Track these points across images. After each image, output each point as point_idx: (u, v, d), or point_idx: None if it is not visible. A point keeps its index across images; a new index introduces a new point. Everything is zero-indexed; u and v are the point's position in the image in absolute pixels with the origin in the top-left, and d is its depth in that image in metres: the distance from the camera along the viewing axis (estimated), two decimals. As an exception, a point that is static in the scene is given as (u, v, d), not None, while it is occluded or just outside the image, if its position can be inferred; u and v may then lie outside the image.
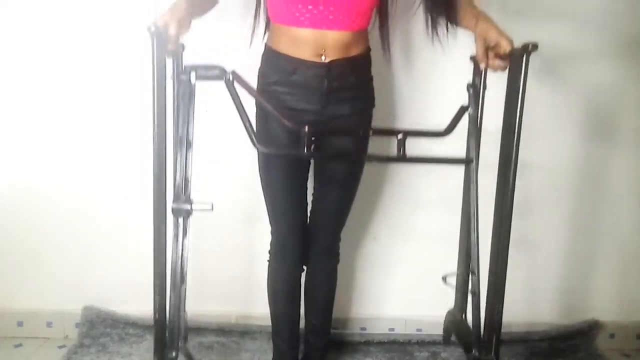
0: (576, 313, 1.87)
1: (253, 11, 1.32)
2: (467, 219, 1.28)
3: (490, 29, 1.12)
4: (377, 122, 1.37)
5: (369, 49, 1.31)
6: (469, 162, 1.24)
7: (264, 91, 1.28)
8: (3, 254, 1.76)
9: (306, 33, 1.19)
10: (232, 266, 1.78)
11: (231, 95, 1.09)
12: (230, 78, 1.09)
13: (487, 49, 1.13)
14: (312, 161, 1.41)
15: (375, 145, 1.33)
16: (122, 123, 1.72)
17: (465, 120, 1.23)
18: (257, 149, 1.14)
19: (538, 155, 1.78)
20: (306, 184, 1.40)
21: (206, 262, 1.75)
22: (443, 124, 1.19)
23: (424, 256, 1.81)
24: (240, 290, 1.82)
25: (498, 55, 1.12)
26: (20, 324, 1.79)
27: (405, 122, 1.72)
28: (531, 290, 1.83)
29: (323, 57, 1.21)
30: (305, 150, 1.10)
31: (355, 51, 1.25)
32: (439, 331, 1.83)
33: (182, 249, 1.11)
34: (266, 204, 1.38)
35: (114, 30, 1.67)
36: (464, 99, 1.25)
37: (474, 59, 1.21)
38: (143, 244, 1.17)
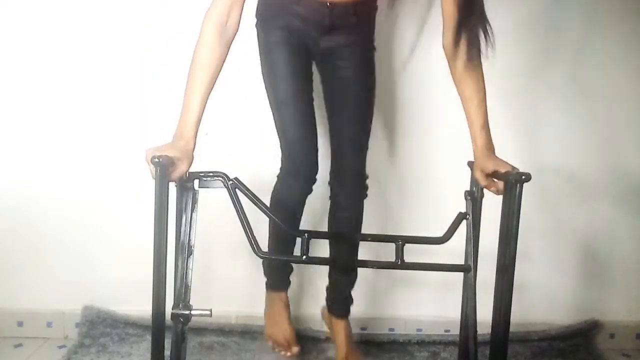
0: (576, 313, 1.87)
1: None
2: (466, 333, 1.29)
3: (488, 162, 1.16)
4: (375, 229, 1.40)
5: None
6: (467, 270, 1.26)
7: (268, 6, 1.33)
8: (3, 254, 1.76)
9: None
10: (233, 266, 1.79)
11: (233, 201, 1.13)
12: (232, 185, 1.15)
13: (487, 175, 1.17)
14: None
15: (374, 251, 1.35)
16: (122, 123, 1.72)
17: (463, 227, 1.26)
18: (259, 256, 1.16)
19: (541, 156, 1.78)
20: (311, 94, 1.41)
21: (206, 262, 1.75)
22: (441, 230, 1.21)
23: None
24: (240, 290, 1.82)
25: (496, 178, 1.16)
26: (20, 324, 1.78)
27: (404, 228, 1.77)
28: (531, 290, 1.83)
29: (327, 3, 1.26)
30: (303, 257, 1.16)
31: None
32: (439, 331, 1.84)
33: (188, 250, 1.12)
34: (274, 115, 1.40)
35: (114, 30, 1.67)
36: (462, 205, 1.28)
37: (471, 166, 1.24)
38: (143, 244, 1.17)
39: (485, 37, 1.16)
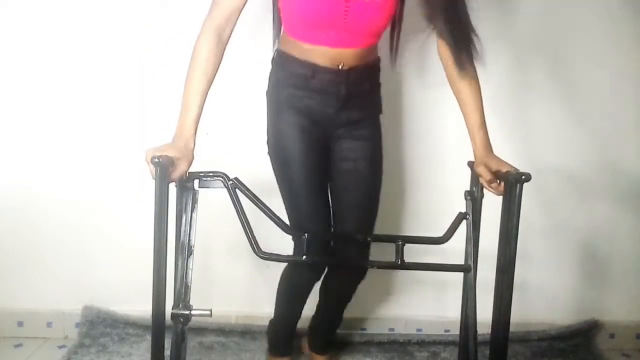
0: (576, 313, 1.87)
1: (271, 19, 1.34)
2: (466, 333, 1.29)
3: (491, 161, 1.17)
4: (375, 229, 1.40)
5: (379, 58, 1.36)
6: (467, 270, 1.26)
7: (280, 92, 1.31)
8: (3, 254, 1.76)
9: (324, 49, 1.24)
10: (233, 266, 1.79)
11: (232, 201, 1.14)
12: (232, 185, 1.15)
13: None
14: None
15: (374, 251, 1.35)
16: (122, 123, 1.72)
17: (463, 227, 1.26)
18: (259, 256, 1.16)
19: (541, 156, 1.78)
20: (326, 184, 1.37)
21: (206, 262, 1.75)
22: (441, 230, 1.22)
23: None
24: (240, 290, 1.82)
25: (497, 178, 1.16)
26: (20, 324, 1.79)
27: (404, 227, 1.78)
28: (531, 290, 1.83)
29: (341, 66, 1.25)
30: (303, 257, 1.17)
31: (370, 59, 1.31)
32: (439, 331, 1.84)
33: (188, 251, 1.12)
34: (284, 198, 1.34)
35: (114, 30, 1.67)
36: (462, 205, 1.29)
37: (471, 165, 1.24)
38: (143, 244, 1.17)
39: (472, 45, 1.19)
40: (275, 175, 1.35)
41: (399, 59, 1.37)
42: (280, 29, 1.33)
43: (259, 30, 1.51)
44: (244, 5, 1.21)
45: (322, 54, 1.24)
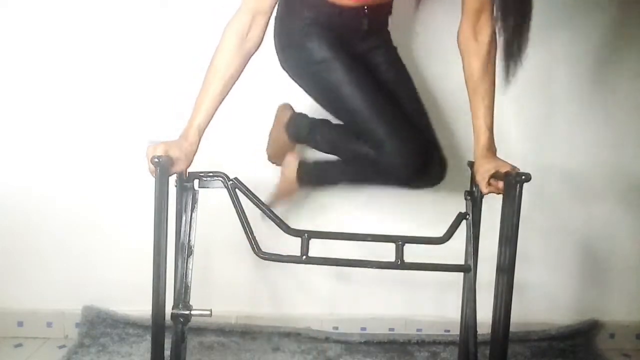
0: (576, 313, 1.87)
1: None
2: (466, 333, 1.30)
3: (489, 163, 1.16)
4: (375, 228, 1.40)
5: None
6: (467, 270, 1.26)
7: (297, 29, 1.29)
8: (3, 254, 1.76)
9: None
10: (233, 266, 1.79)
11: (232, 201, 1.14)
12: (232, 185, 1.16)
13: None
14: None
15: (374, 251, 1.35)
16: (122, 123, 1.72)
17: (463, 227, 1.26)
18: (259, 256, 1.16)
19: (541, 156, 1.78)
20: None
21: (206, 262, 1.75)
22: (441, 230, 1.22)
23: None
24: (240, 290, 1.82)
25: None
26: (20, 324, 1.78)
27: (404, 227, 1.75)
28: (531, 290, 1.83)
29: (365, 8, 1.27)
30: (303, 257, 1.18)
31: None
32: (439, 331, 1.83)
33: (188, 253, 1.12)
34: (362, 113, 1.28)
35: (114, 30, 1.67)
36: (462, 205, 1.29)
37: (471, 165, 1.24)
38: (143, 244, 1.17)
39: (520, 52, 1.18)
40: (317, 93, 1.34)
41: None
42: None
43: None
44: (273, 7, 1.16)
45: None
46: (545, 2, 1.69)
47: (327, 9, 1.26)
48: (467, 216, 1.27)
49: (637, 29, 1.74)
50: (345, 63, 1.27)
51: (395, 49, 1.43)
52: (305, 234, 1.17)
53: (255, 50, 1.16)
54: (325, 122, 1.43)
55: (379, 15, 1.35)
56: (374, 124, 1.25)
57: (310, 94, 1.36)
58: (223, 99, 1.15)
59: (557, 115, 1.78)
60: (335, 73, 1.26)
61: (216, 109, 1.14)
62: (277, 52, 1.36)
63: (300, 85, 1.37)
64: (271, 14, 1.16)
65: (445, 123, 1.75)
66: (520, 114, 1.77)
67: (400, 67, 1.42)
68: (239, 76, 1.15)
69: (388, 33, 1.43)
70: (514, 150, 1.69)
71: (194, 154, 1.13)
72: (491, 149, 1.20)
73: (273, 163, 1.61)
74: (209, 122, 1.14)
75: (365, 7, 1.28)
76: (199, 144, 1.13)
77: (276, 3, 1.16)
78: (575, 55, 1.75)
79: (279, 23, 1.33)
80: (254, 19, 1.13)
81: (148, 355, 1.10)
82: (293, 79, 1.37)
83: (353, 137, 1.33)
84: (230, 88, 1.15)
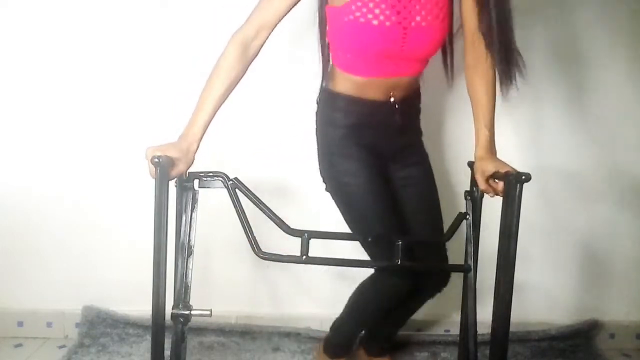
0: (576, 313, 1.87)
1: (320, 55, 1.32)
2: (466, 333, 1.29)
3: (489, 164, 1.16)
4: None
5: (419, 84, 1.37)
6: (467, 270, 1.27)
7: (335, 134, 1.31)
8: (3, 254, 1.76)
9: (378, 81, 1.25)
10: (233, 266, 1.79)
11: (232, 201, 1.14)
12: (232, 185, 1.15)
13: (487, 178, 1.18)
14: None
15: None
16: (122, 123, 1.72)
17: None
18: (259, 256, 1.16)
19: (541, 156, 1.78)
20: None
21: (206, 262, 1.75)
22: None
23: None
24: (240, 290, 1.82)
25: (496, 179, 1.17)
26: (20, 324, 1.79)
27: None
28: (531, 290, 1.83)
29: (392, 97, 1.27)
30: (303, 257, 1.17)
31: (416, 86, 1.34)
32: (439, 331, 1.84)
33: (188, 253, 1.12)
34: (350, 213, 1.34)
35: (114, 30, 1.67)
36: (462, 205, 1.29)
37: (471, 165, 1.24)
38: (143, 244, 1.17)
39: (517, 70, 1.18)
40: (342, 210, 1.35)
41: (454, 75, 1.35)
42: (329, 63, 1.32)
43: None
44: (276, 24, 1.20)
45: (376, 86, 1.25)
46: (544, 2, 1.69)
47: (360, 106, 1.28)
48: (467, 216, 1.27)
49: (637, 28, 1.74)
50: (371, 183, 1.30)
51: (426, 154, 1.40)
52: (305, 234, 1.17)
53: (255, 57, 1.22)
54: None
55: (410, 111, 1.34)
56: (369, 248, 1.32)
57: (339, 207, 1.36)
58: (223, 101, 1.18)
59: (557, 116, 1.78)
60: (359, 195, 1.31)
61: (216, 111, 1.17)
62: (318, 164, 1.38)
63: (330, 195, 1.37)
64: (274, 28, 1.21)
65: (445, 123, 1.75)
66: (520, 114, 1.77)
67: (428, 180, 1.39)
68: (239, 80, 1.20)
69: (419, 133, 1.41)
70: (514, 150, 1.70)
71: (194, 155, 1.13)
72: (491, 149, 1.21)
73: None
74: (209, 123, 1.16)
75: (393, 100, 1.28)
76: (198, 145, 1.14)
77: (280, 19, 1.20)
78: (573, 56, 1.75)
79: (318, 136, 1.36)
80: (258, 33, 1.19)
81: (148, 355, 1.10)
82: (326, 189, 1.38)
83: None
84: (231, 91, 1.19)
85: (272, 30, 1.21)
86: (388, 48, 1.18)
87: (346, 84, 1.27)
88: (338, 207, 1.35)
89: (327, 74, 1.33)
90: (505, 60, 1.17)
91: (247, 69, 1.21)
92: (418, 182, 1.37)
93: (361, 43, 1.18)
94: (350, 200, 1.33)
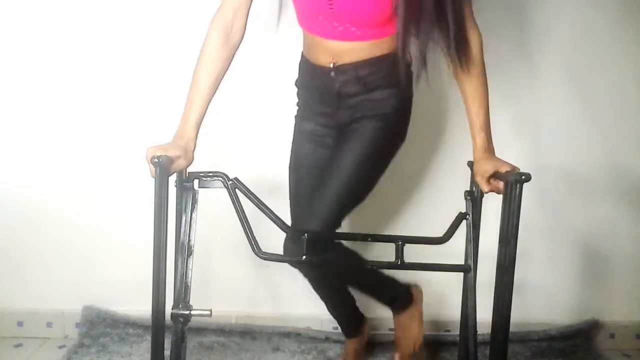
0: (576, 313, 1.87)
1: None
2: (466, 333, 1.29)
3: (487, 164, 1.15)
4: (375, 228, 1.39)
5: (390, 55, 1.23)
6: (467, 270, 1.26)
7: (299, 94, 1.39)
8: (3, 254, 1.76)
9: (318, 40, 1.23)
10: (233, 266, 1.79)
11: (232, 201, 1.14)
12: (232, 185, 1.15)
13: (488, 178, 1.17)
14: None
15: (374, 251, 1.34)
16: (122, 123, 1.72)
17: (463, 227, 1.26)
18: (259, 257, 1.16)
19: (541, 156, 1.78)
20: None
21: (206, 262, 1.75)
22: (442, 230, 1.21)
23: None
24: (240, 290, 1.82)
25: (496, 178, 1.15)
26: (20, 324, 1.79)
27: (404, 227, 1.77)
28: (531, 290, 1.83)
29: (332, 64, 1.24)
30: (303, 257, 1.16)
31: (368, 56, 1.22)
32: (439, 331, 1.83)
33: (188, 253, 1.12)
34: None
35: (114, 30, 1.67)
36: (462, 205, 1.29)
37: (471, 165, 1.24)
38: (143, 244, 1.17)
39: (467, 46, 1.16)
40: None
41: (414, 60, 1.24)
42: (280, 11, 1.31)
43: (260, 28, 1.50)
44: (251, 1, 1.19)
45: (318, 47, 1.24)
46: (542, 1, 1.70)
47: (305, 67, 1.33)
48: (467, 216, 1.27)
49: (637, 28, 1.74)
50: (299, 130, 1.37)
51: (376, 144, 1.28)
52: (306, 234, 1.17)
53: (240, 42, 1.20)
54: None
55: (359, 81, 1.24)
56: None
57: None
58: (214, 93, 1.17)
59: (557, 116, 1.78)
60: (292, 152, 1.40)
61: (208, 105, 1.16)
62: None
63: None
64: (251, 4, 1.19)
65: (445, 122, 1.75)
66: (520, 115, 1.77)
67: (361, 145, 1.27)
68: (227, 70, 1.19)
69: (384, 99, 1.27)
70: (514, 151, 1.69)
71: (193, 152, 1.13)
72: (489, 148, 1.20)
73: None
74: (203, 118, 1.15)
75: (332, 66, 1.23)
76: (196, 140, 1.14)
77: None
78: (574, 55, 1.75)
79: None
80: (236, 14, 1.18)
81: (148, 355, 1.10)
82: None
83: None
84: (220, 82, 1.17)
85: (249, 9, 1.19)
86: (314, 4, 1.16)
87: (303, 41, 1.30)
88: None
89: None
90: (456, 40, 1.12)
91: (232, 56, 1.19)
92: (347, 148, 1.27)
93: None
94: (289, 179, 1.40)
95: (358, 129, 1.29)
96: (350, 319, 1.59)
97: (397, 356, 1.58)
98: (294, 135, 1.40)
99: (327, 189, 1.27)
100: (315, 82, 1.30)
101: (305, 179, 1.35)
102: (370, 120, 1.28)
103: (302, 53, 1.34)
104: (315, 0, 1.16)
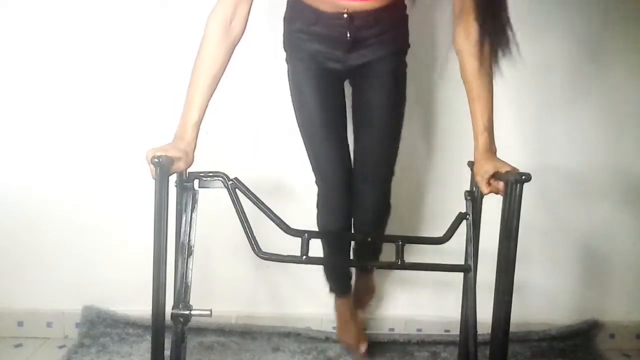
0: (576, 313, 1.87)
1: None
2: (466, 333, 1.30)
3: (488, 164, 1.14)
4: None
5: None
6: (467, 270, 1.26)
7: (290, 35, 1.30)
8: (3, 254, 1.76)
9: None
10: (233, 266, 1.79)
11: (232, 201, 1.14)
12: (232, 185, 1.15)
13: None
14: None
15: None
16: (122, 123, 1.72)
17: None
18: (259, 256, 1.16)
19: (541, 156, 1.78)
20: (345, 118, 1.36)
21: (206, 262, 1.75)
22: (442, 230, 1.22)
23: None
24: (240, 290, 1.82)
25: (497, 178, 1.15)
26: (20, 324, 1.79)
27: (404, 227, 1.75)
28: (531, 290, 1.83)
29: (345, 12, 1.20)
30: (303, 257, 1.18)
31: (379, 3, 1.22)
32: (439, 331, 1.83)
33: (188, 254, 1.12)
34: (306, 146, 1.34)
35: (114, 30, 1.67)
36: (462, 205, 1.29)
37: (471, 165, 1.24)
38: (143, 244, 1.17)
39: (508, 44, 1.13)
40: (297, 123, 1.35)
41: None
42: None
43: (260, 27, 1.51)
44: None
45: None
46: (542, 1, 1.70)
47: (309, 14, 1.23)
48: (467, 216, 1.27)
49: (637, 28, 1.74)
50: (316, 92, 1.28)
51: (397, 65, 1.32)
52: (305, 234, 1.17)
53: (240, 38, 1.17)
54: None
55: (368, 23, 1.24)
56: (314, 169, 1.34)
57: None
58: (213, 92, 1.14)
59: (557, 116, 1.78)
60: (304, 99, 1.30)
61: (208, 103, 1.13)
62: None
63: None
64: (252, 2, 1.16)
65: (445, 122, 1.75)
66: (520, 115, 1.77)
67: (387, 92, 1.30)
68: (226, 67, 1.15)
69: (393, 45, 1.30)
70: (514, 151, 1.69)
71: (193, 153, 1.12)
72: (491, 149, 1.19)
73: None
74: (203, 117, 1.13)
75: (346, 13, 1.20)
76: (196, 142, 1.13)
77: None
78: (575, 55, 1.75)
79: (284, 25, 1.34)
80: (236, 8, 1.13)
81: (148, 355, 1.10)
82: None
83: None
84: (219, 80, 1.15)
85: (250, 4, 1.15)
86: None
87: None
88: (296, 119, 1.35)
89: None
90: (494, 33, 1.11)
91: (231, 53, 1.15)
92: (374, 112, 1.30)
93: None
94: (303, 131, 1.32)
95: (376, 76, 1.29)
96: (347, 273, 1.58)
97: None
98: (296, 86, 1.32)
99: (374, 154, 1.32)
100: (322, 28, 1.23)
101: (333, 123, 1.30)
102: (383, 63, 1.29)
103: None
104: None
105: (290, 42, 1.32)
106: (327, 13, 1.21)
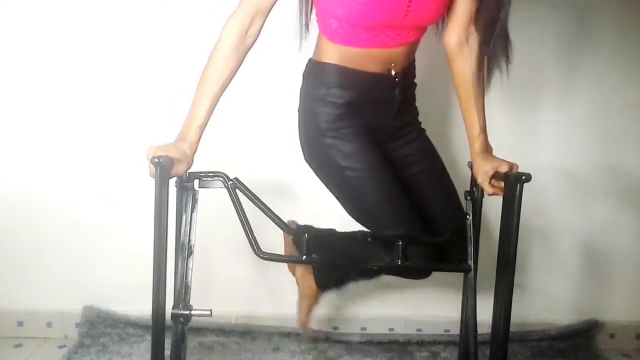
0: (576, 313, 1.87)
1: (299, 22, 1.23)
2: (466, 333, 1.30)
3: (487, 165, 1.15)
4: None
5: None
6: (467, 270, 1.27)
7: (324, 114, 1.21)
8: (3, 254, 1.76)
9: (377, 52, 1.17)
10: (233, 266, 1.79)
11: (232, 201, 1.14)
12: (232, 185, 1.15)
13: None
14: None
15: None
16: (122, 124, 1.72)
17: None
18: (259, 256, 1.16)
19: (541, 156, 1.78)
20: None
21: (206, 262, 1.75)
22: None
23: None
24: (240, 290, 1.82)
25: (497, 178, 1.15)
26: (20, 324, 1.78)
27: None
28: (531, 290, 1.83)
29: (393, 69, 1.20)
30: (303, 257, 1.17)
31: (412, 58, 1.27)
32: (439, 331, 1.84)
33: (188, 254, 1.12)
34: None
35: (114, 30, 1.67)
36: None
37: (471, 166, 1.24)
38: (143, 244, 1.18)
39: (506, 51, 1.15)
40: (341, 197, 1.28)
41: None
42: (305, 34, 1.24)
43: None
44: (270, 8, 1.15)
45: (375, 58, 1.17)
46: (539, 3, 1.70)
47: (357, 80, 1.19)
48: (467, 216, 1.28)
49: (636, 29, 1.74)
50: (375, 168, 1.21)
51: (424, 130, 1.33)
52: (305, 234, 1.17)
53: (251, 47, 1.17)
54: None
55: (408, 85, 1.27)
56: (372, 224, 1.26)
57: (332, 192, 1.30)
58: (220, 97, 1.14)
59: (557, 116, 1.78)
60: (363, 181, 1.22)
61: (214, 108, 1.14)
62: (301, 146, 1.30)
63: (320, 179, 1.30)
64: (268, 15, 1.16)
65: (444, 123, 1.75)
66: (520, 115, 1.77)
67: (431, 154, 1.31)
68: (235, 74, 1.15)
69: (416, 109, 1.33)
70: (513, 150, 1.69)
71: (193, 155, 1.12)
72: (487, 149, 1.20)
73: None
74: (208, 121, 1.13)
75: (394, 73, 1.20)
76: (197, 145, 1.13)
77: (274, 4, 1.14)
78: (574, 55, 1.75)
79: (303, 115, 1.28)
80: (254, 19, 1.14)
81: (148, 355, 1.10)
82: (315, 173, 1.31)
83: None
84: (227, 86, 1.15)
85: (266, 17, 1.15)
86: (391, 17, 1.10)
87: (340, 55, 1.18)
88: (333, 192, 1.28)
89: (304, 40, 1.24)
90: (493, 42, 1.13)
91: (242, 61, 1.16)
92: (423, 157, 1.29)
93: (361, 12, 1.08)
94: (352, 188, 1.22)
95: (415, 136, 1.30)
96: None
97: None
98: (349, 149, 1.22)
99: (448, 190, 1.30)
100: (374, 92, 1.21)
101: (392, 183, 1.24)
102: (415, 125, 1.31)
103: (333, 64, 1.20)
104: (389, 14, 1.09)
105: (326, 118, 1.22)
106: (376, 74, 1.19)
